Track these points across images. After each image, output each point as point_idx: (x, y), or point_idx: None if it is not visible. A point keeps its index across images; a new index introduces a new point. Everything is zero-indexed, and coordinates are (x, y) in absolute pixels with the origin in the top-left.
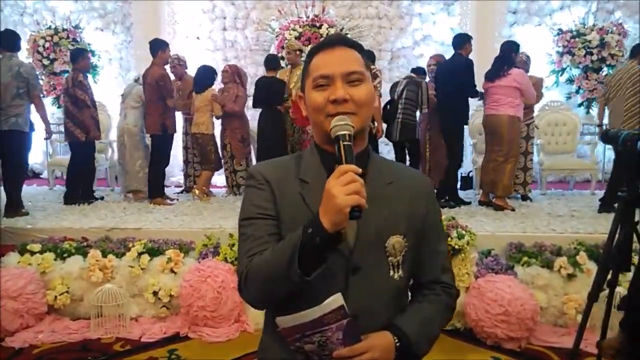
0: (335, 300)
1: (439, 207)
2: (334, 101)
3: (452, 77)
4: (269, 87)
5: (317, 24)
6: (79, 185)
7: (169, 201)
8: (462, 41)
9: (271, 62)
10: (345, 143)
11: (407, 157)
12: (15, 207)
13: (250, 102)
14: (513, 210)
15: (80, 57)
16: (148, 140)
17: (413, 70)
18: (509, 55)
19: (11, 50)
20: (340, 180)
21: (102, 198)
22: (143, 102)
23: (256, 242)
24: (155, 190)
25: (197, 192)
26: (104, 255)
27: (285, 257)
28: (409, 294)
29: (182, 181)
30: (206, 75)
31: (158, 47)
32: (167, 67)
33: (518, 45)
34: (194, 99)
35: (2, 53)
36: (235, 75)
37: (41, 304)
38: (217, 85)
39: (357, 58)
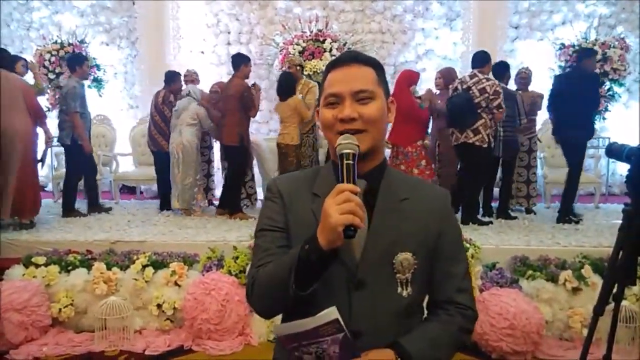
0: (329, 313)
1: (457, 227)
2: (342, 120)
3: (579, 91)
4: None
5: (321, 39)
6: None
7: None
8: (587, 54)
9: None
10: (348, 162)
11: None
12: (68, 210)
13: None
14: None
15: (173, 81)
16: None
17: (495, 66)
18: None
19: (70, 71)
20: (336, 199)
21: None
22: (199, 120)
23: (265, 254)
24: (236, 205)
25: None
26: (108, 267)
27: (284, 271)
28: (425, 312)
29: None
30: (289, 82)
31: (241, 61)
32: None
33: None
34: (276, 109)
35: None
36: None
37: (45, 316)
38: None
39: (370, 75)
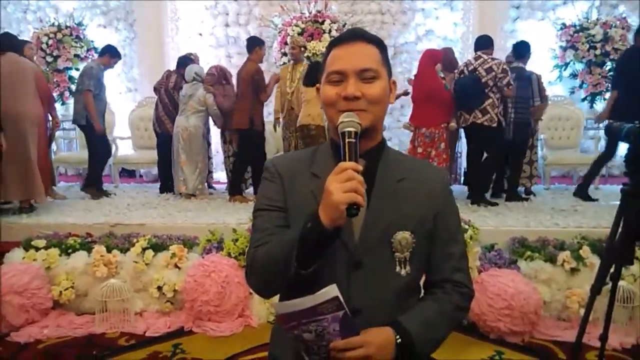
0: (329, 291)
1: (455, 207)
2: (345, 98)
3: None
4: None
5: (320, 20)
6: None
7: (249, 198)
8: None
9: None
10: (350, 140)
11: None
12: (91, 186)
13: None
14: None
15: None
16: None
17: (516, 45)
18: None
19: (99, 55)
20: (338, 177)
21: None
22: (206, 107)
23: (263, 234)
24: (236, 188)
25: None
26: (109, 250)
27: (284, 250)
28: (422, 291)
29: None
30: (317, 68)
31: (255, 44)
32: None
33: None
34: (303, 92)
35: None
36: (222, 77)
37: (46, 299)
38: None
39: (374, 54)
